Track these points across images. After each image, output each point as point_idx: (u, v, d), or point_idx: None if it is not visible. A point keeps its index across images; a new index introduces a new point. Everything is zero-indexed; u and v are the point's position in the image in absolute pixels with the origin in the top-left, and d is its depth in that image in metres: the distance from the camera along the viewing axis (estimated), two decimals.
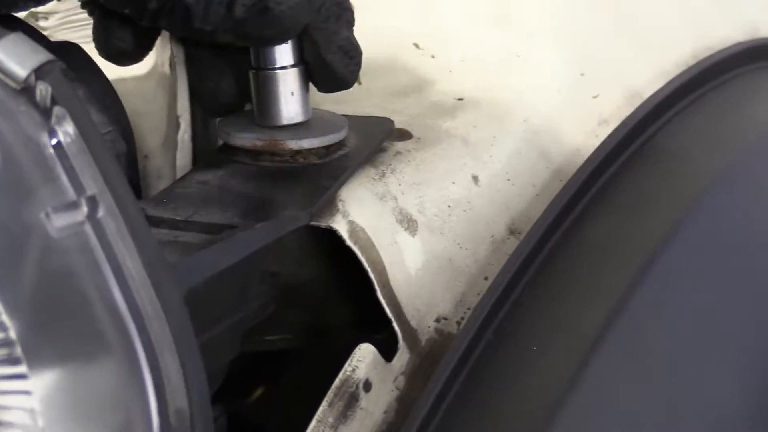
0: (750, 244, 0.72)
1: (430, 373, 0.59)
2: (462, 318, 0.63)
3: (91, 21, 0.58)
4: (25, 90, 0.45)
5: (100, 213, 0.44)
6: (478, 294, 0.63)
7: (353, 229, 0.60)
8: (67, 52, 0.50)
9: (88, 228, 0.43)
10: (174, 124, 0.69)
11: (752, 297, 0.69)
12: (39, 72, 0.45)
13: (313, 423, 0.56)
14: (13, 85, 0.45)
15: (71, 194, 0.43)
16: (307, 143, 0.63)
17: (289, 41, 0.59)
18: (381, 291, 0.60)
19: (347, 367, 0.58)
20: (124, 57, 0.58)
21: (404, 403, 0.59)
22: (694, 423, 0.62)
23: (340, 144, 0.65)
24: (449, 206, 0.65)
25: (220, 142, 0.66)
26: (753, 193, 0.75)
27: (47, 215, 0.43)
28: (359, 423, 0.57)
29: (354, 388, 0.58)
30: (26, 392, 0.44)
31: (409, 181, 0.65)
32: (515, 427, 0.57)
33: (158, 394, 0.45)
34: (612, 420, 0.60)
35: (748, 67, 0.83)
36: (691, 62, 0.80)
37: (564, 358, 0.60)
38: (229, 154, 0.65)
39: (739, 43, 0.84)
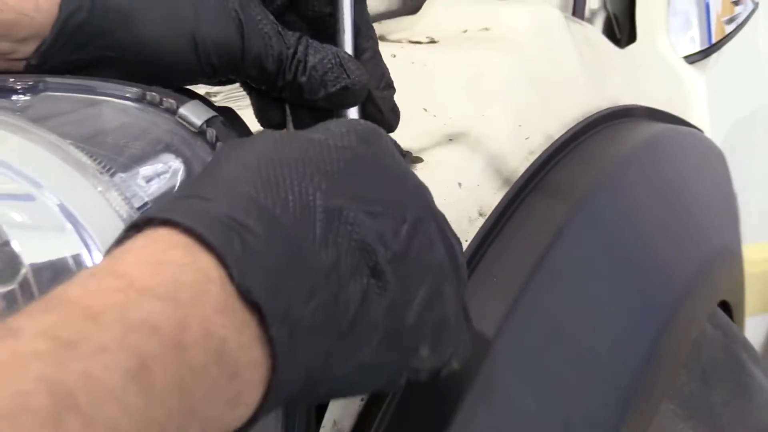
0: (620, 226, 0.69)
1: None
2: None
3: (243, 97, 0.55)
4: (200, 132, 0.43)
5: None
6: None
7: None
8: (226, 112, 0.48)
9: None
10: None
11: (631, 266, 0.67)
12: (208, 122, 0.44)
13: None
14: (193, 129, 0.43)
15: None
16: None
17: None
18: None
19: None
20: (277, 126, 0.55)
21: None
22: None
23: None
24: (444, 200, 0.61)
25: None
26: (619, 194, 0.72)
27: None
28: None
29: None
30: None
31: None
32: None
33: None
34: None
35: (613, 122, 0.80)
36: (581, 119, 0.77)
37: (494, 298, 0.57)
38: None
39: (608, 108, 0.82)
